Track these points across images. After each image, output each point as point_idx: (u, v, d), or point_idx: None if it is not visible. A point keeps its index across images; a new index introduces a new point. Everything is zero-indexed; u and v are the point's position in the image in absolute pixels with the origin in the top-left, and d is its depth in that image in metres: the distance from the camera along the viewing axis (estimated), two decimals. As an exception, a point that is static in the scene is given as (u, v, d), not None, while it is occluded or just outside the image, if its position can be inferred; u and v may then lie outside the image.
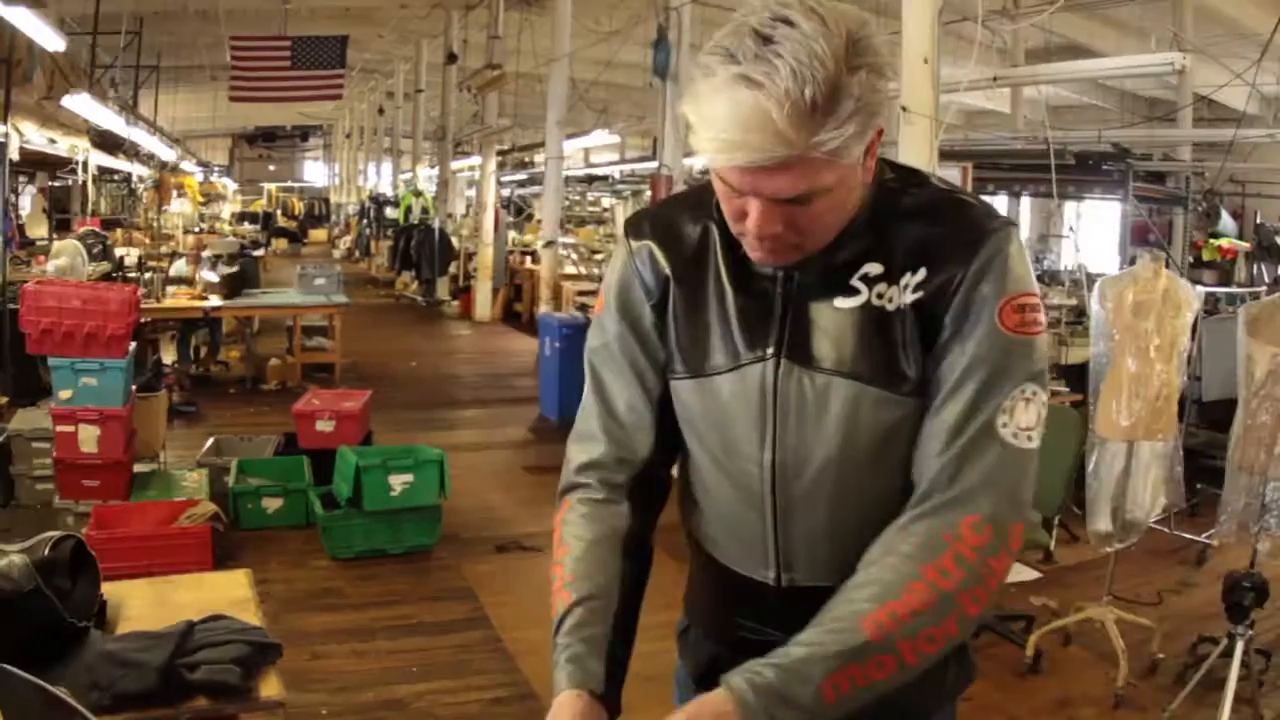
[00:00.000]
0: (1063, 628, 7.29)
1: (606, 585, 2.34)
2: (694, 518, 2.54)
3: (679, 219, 2.42)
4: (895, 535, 2.15)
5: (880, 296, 2.20)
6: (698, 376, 2.34)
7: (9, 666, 2.76)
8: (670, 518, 2.52)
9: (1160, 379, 7.12)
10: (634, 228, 2.50)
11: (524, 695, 6.42)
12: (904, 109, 8.07)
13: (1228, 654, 6.30)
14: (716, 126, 1.94)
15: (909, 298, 2.18)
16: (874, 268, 2.21)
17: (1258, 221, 18.91)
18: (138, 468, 9.51)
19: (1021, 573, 8.60)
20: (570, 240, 24.81)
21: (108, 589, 3.80)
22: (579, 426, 2.53)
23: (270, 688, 3.43)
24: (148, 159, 25.95)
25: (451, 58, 25.29)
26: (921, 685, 2.25)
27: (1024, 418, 2.16)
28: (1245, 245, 16.87)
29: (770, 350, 2.25)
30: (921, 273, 2.18)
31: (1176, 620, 7.76)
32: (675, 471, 2.56)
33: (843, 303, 2.22)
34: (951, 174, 10.43)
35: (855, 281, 2.22)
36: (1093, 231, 21.56)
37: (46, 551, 3.50)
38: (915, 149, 8.02)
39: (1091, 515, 7.58)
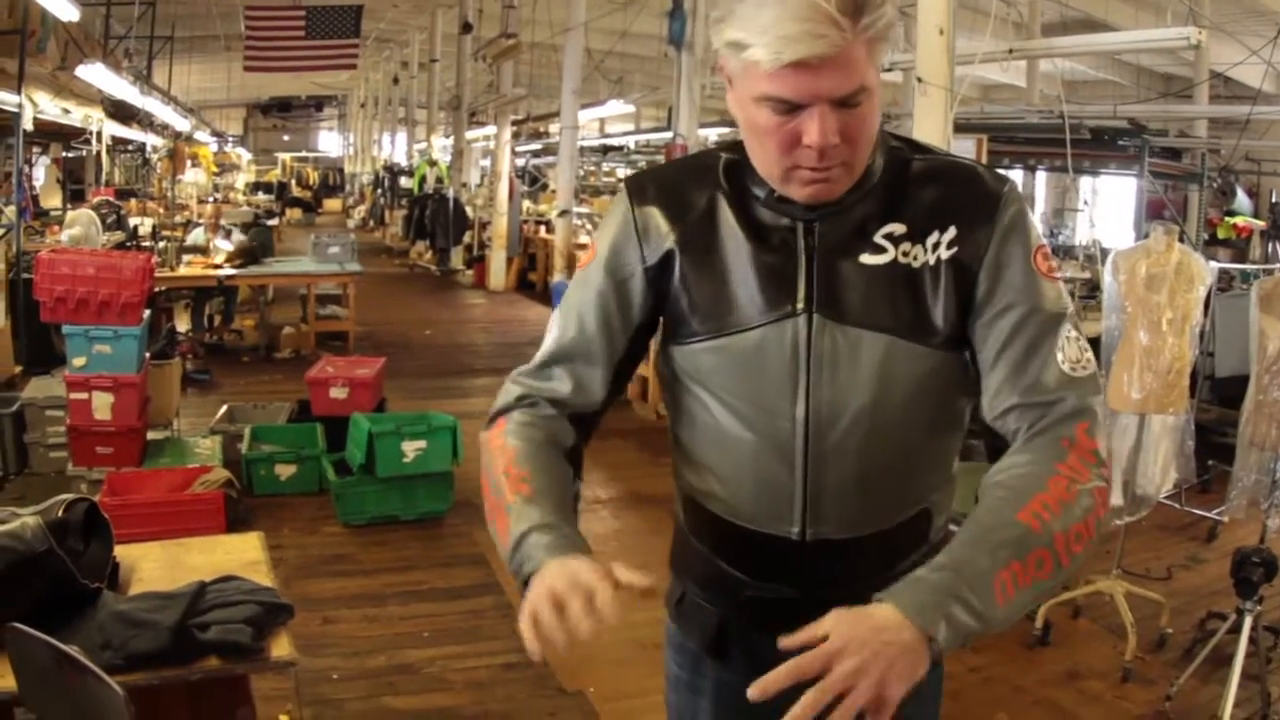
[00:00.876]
0: (1071, 600, 7.29)
1: (562, 479, 2.38)
2: (699, 479, 2.53)
3: (685, 184, 2.46)
4: (1013, 455, 2.23)
5: (906, 255, 2.29)
6: (721, 335, 2.35)
7: (20, 625, 2.79)
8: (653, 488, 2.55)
9: (1172, 352, 7.12)
10: (637, 190, 2.51)
11: (534, 661, 6.41)
12: (919, 80, 8.07)
13: (1236, 630, 6.29)
14: (774, 29, 2.00)
15: (944, 254, 2.29)
16: (897, 228, 2.30)
17: (1273, 200, 18.90)
18: (151, 435, 9.55)
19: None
20: (584, 210, 24.81)
21: (120, 552, 3.83)
22: (535, 363, 2.56)
23: (281, 648, 3.45)
24: (162, 129, 25.95)
25: (466, 27, 25.25)
26: None
27: (1074, 353, 2.28)
28: (1260, 223, 16.89)
29: (800, 305, 2.29)
30: (951, 231, 2.29)
31: (1186, 595, 7.76)
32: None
33: (870, 259, 2.29)
34: (967, 146, 10.43)
35: (880, 239, 2.30)
36: (1109, 207, 21.56)
37: (60, 514, 3.54)
38: (930, 120, 8.02)
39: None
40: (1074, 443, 2.19)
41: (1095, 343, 8.34)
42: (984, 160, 9.71)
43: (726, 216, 2.39)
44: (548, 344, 2.55)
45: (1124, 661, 6.59)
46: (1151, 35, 10.11)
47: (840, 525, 2.37)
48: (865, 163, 2.25)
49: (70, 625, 3.20)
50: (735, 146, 2.42)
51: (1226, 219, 17.39)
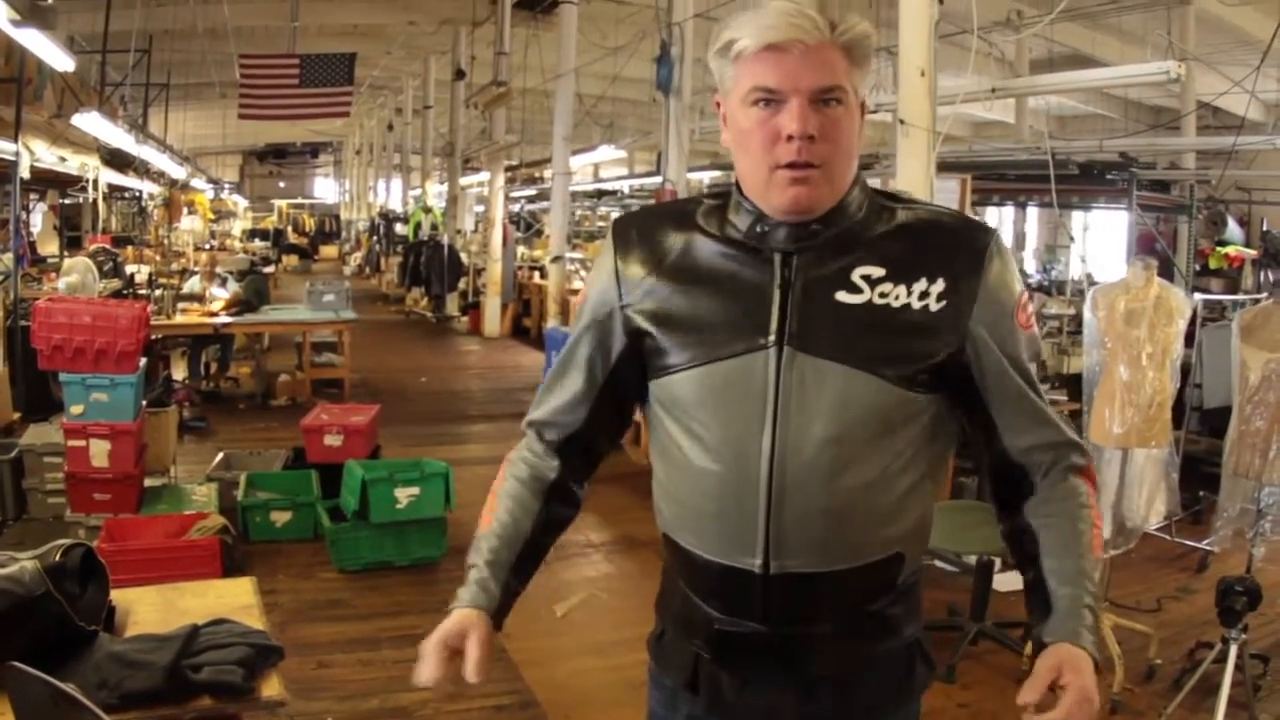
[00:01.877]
0: (1060, 634, 7.32)
1: (522, 519, 2.74)
2: (672, 514, 2.64)
3: (665, 227, 2.63)
4: (1047, 494, 2.56)
5: (884, 296, 2.42)
6: (691, 367, 2.48)
7: (18, 664, 2.86)
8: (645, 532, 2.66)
9: (1153, 386, 7.20)
10: (621, 235, 2.68)
11: (526, 703, 6.51)
12: (901, 121, 8.17)
13: (1222, 659, 6.36)
14: (759, 22, 2.34)
15: (933, 305, 2.42)
16: (876, 270, 2.44)
17: (1264, 229, 18.96)
18: (148, 482, 9.59)
19: (1018, 580, 8.68)
20: (578, 255, 24.93)
21: (117, 596, 3.90)
22: (543, 387, 2.84)
23: (272, 688, 3.53)
24: (158, 176, 26.04)
25: (459, 74, 25.38)
26: (893, 681, 2.60)
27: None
28: (1252, 253, 16.95)
29: (772, 338, 2.41)
30: (940, 282, 2.43)
31: (1176, 626, 7.82)
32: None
33: (845, 297, 2.42)
34: (951, 185, 10.49)
35: (857, 279, 2.43)
36: (1101, 241, 21.63)
37: (58, 558, 3.61)
38: (913, 160, 8.12)
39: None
40: (1086, 485, 2.58)
41: (1078, 379, 8.46)
42: (969, 198, 9.79)
43: (703, 254, 2.54)
44: (553, 371, 2.81)
45: (1112, 694, 6.63)
46: (1131, 71, 10.21)
47: (804, 559, 2.45)
48: (845, 176, 2.44)
49: (67, 666, 3.26)
50: (720, 195, 2.61)
51: (1218, 249, 17.45)
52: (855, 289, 2.43)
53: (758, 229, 2.48)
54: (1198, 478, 9.37)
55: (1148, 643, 7.22)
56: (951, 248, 2.48)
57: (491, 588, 2.65)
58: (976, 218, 2.66)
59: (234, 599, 4.22)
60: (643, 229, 2.67)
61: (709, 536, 2.54)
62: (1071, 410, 9.41)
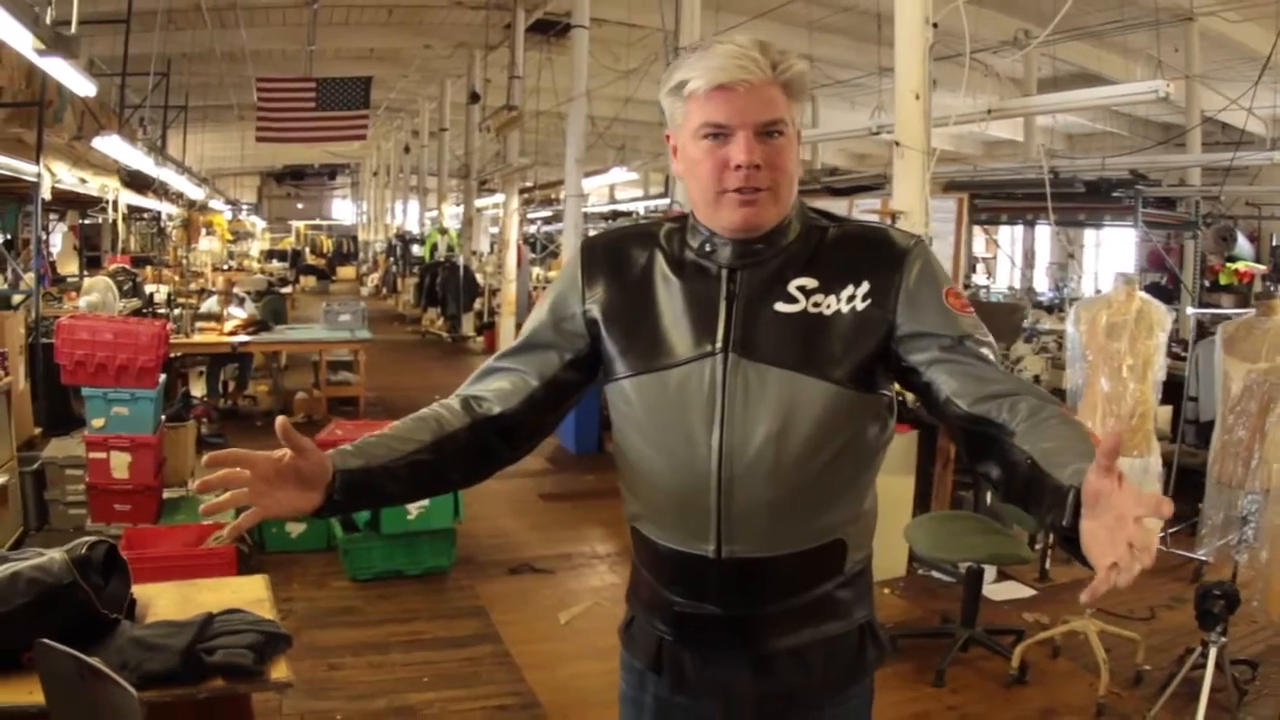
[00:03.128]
0: (1049, 640, 7.50)
1: (402, 433, 2.74)
2: (636, 508, 2.87)
3: (628, 245, 2.90)
4: (1029, 425, 2.42)
5: (817, 305, 2.68)
6: (648, 372, 2.72)
7: (48, 640, 3.10)
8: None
9: (1134, 397, 7.38)
10: (588, 250, 2.93)
11: (528, 704, 6.72)
12: (897, 143, 8.35)
13: (1203, 662, 6.54)
14: (707, 63, 2.56)
15: (859, 305, 2.67)
16: (810, 281, 2.70)
17: (1274, 244, 19.07)
18: (167, 494, 9.83)
19: (1016, 590, 8.83)
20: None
21: (137, 590, 4.12)
22: (483, 369, 2.95)
23: (279, 671, 3.76)
24: (176, 197, 26.20)
25: (474, 97, 25.47)
26: (845, 660, 2.82)
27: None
28: (1262, 268, 16.99)
29: (719, 345, 2.66)
30: (865, 285, 2.68)
31: (1168, 634, 7.96)
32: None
33: (783, 307, 2.68)
34: (948, 205, 10.69)
35: (793, 290, 2.69)
36: (1113, 258, 21.72)
37: (84, 551, 3.84)
38: (909, 181, 8.29)
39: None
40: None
41: (1063, 393, 8.63)
42: (966, 217, 9.98)
43: (661, 270, 2.80)
44: (500, 357, 2.96)
45: (1098, 698, 6.81)
46: (1123, 90, 10.39)
47: (752, 545, 2.68)
48: (788, 198, 2.69)
49: (91, 650, 3.41)
50: (681, 218, 2.85)
51: (1228, 265, 17.51)
52: (792, 299, 2.68)
53: (707, 247, 2.73)
54: (1194, 490, 9.51)
55: (1136, 649, 7.38)
56: (875, 256, 2.71)
57: (350, 455, 2.58)
58: (905, 231, 2.85)
59: (247, 593, 4.43)
60: (609, 245, 2.92)
61: (667, 527, 2.77)
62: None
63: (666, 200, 24.18)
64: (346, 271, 50.36)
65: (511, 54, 21.87)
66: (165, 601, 4.25)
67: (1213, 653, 6.45)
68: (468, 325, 27.24)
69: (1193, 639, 6.93)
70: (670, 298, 2.76)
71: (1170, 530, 9.45)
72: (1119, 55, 18.77)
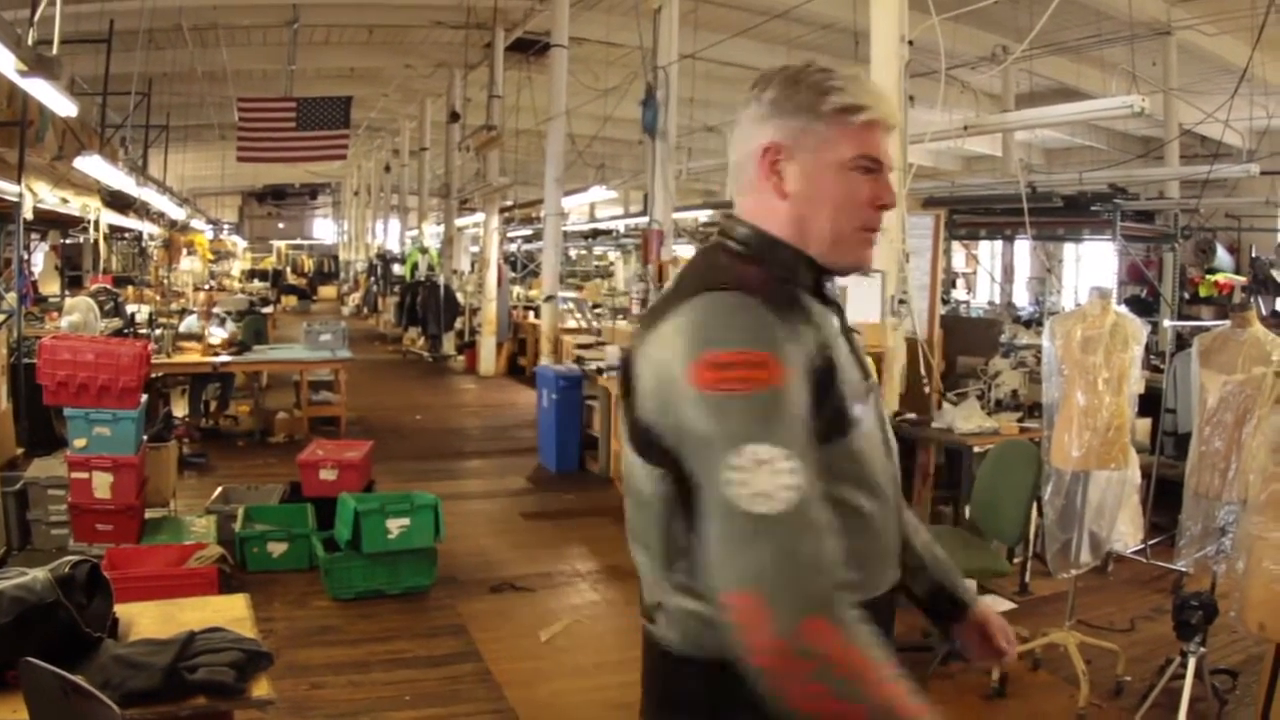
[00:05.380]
0: (1029, 653, 7.53)
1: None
2: (870, 571, 2.52)
3: (791, 300, 2.42)
4: None
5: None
6: (868, 415, 2.50)
7: (32, 659, 3.13)
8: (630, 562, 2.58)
9: (1110, 410, 7.42)
10: (783, 319, 2.30)
11: (507, 721, 6.77)
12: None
13: (1182, 672, 6.59)
14: (886, 99, 2.51)
15: None
16: None
17: (1254, 255, 19.14)
18: (149, 514, 9.83)
19: (995, 603, 8.85)
20: (572, 295, 25.12)
21: (120, 610, 4.15)
22: (811, 540, 2.14)
23: (261, 689, 3.78)
24: (158, 217, 26.21)
25: (454, 116, 25.56)
26: None
27: (761, 483, 2.10)
28: (1241, 279, 17.09)
29: (873, 379, 2.61)
30: None
31: (1149, 644, 8.04)
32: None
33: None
34: (925, 221, 10.73)
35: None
36: (1092, 271, 21.83)
37: (67, 570, 3.87)
38: (886, 198, 8.35)
39: (1048, 543, 7.93)
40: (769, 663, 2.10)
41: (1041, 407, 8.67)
42: (942, 233, 10.05)
43: (818, 312, 2.47)
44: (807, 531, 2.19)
45: (1078, 709, 6.85)
46: (1098, 105, 10.44)
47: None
48: None
49: (75, 668, 3.45)
50: (779, 264, 2.48)
51: (1208, 277, 17.61)
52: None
53: (824, 281, 2.54)
54: (1173, 501, 9.55)
55: (1116, 660, 7.42)
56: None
57: None
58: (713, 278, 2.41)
59: (228, 612, 4.46)
60: (780, 302, 2.34)
61: (888, 571, 2.59)
62: (1034, 438, 9.61)
63: (645, 218, 24.29)
64: (328, 291, 50.44)
65: (491, 73, 21.98)
66: (147, 620, 4.27)
67: (1191, 663, 6.52)
68: (448, 344, 27.36)
69: (1173, 649, 6.99)
70: (838, 339, 2.49)
71: (1150, 542, 9.50)
72: (1097, 69, 18.85)
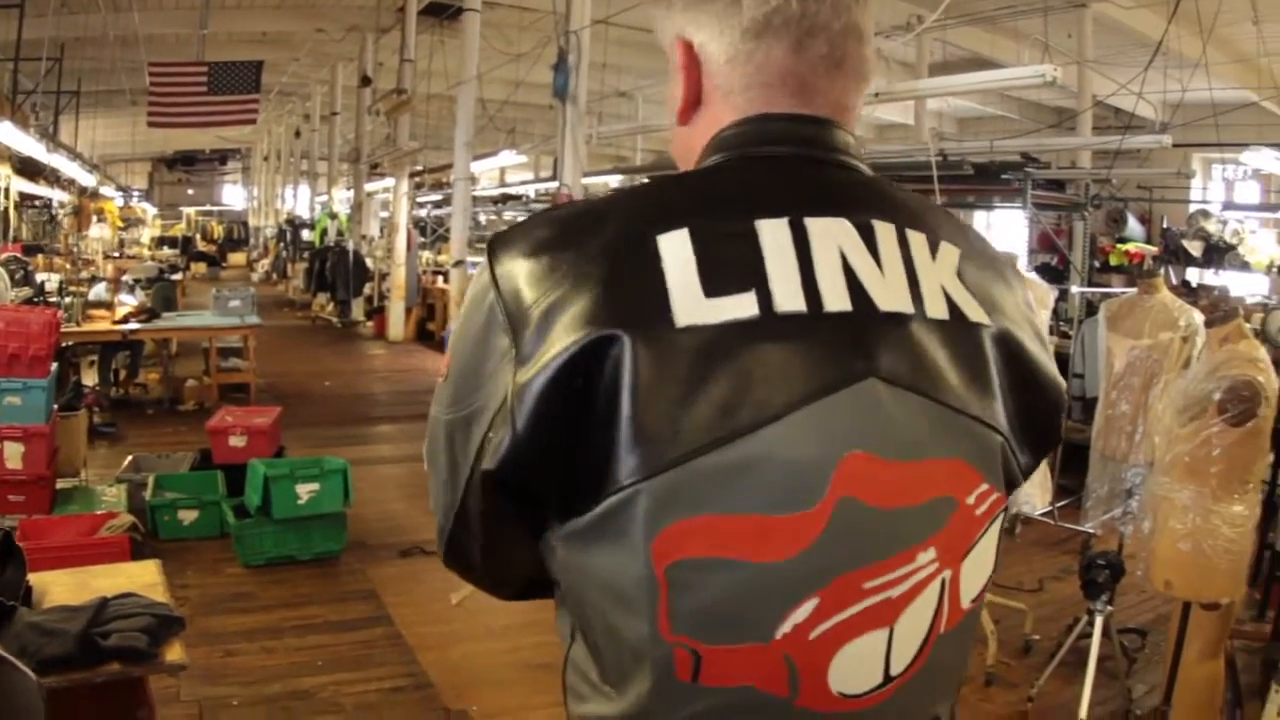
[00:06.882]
0: (937, 612, 7.61)
1: None
2: None
3: None
4: None
5: None
6: None
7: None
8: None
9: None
10: None
11: (421, 685, 6.78)
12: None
13: (1090, 630, 6.70)
14: None
15: None
16: None
17: (1165, 225, 19.32)
18: (60, 484, 9.74)
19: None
20: (480, 259, 25.05)
21: (34, 578, 4.15)
22: None
23: (174, 653, 3.80)
24: (68, 184, 25.98)
25: (365, 81, 25.38)
26: None
27: None
28: (1153, 249, 17.24)
29: None
30: None
31: (1057, 605, 8.25)
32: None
33: None
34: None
35: None
36: (1003, 239, 21.99)
37: (-24, 540, 3.86)
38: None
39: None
40: None
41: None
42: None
43: None
44: None
45: (986, 667, 6.95)
46: (1010, 74, 10.54)
47: None
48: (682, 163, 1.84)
49: None
50: None
51: (1119, 246, 17.76)
52: None
53: None
54: (1080, 465, 9.67)
55: (1024, 619, 7.55)
56: None
57: None
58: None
59: (141, 578, 4.47)
60: None
61: None
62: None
63: (555, 183, 24.27)
64: (237, 258, 49.95)
65: (403, 37, 21.84)
66: (60, 589, 4.27)
67: (1099, 621, 6.62)
68: (357, 310, 27.24)
69: (1080, 609, 7.10)
70: None
71: (1057, 505, 9.63)
72: (1011, 40, 18.95)
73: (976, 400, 1.61)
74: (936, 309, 1.59)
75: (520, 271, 1.53)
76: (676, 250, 1.50)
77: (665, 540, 1.44)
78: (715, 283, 1.48)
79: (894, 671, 1.58)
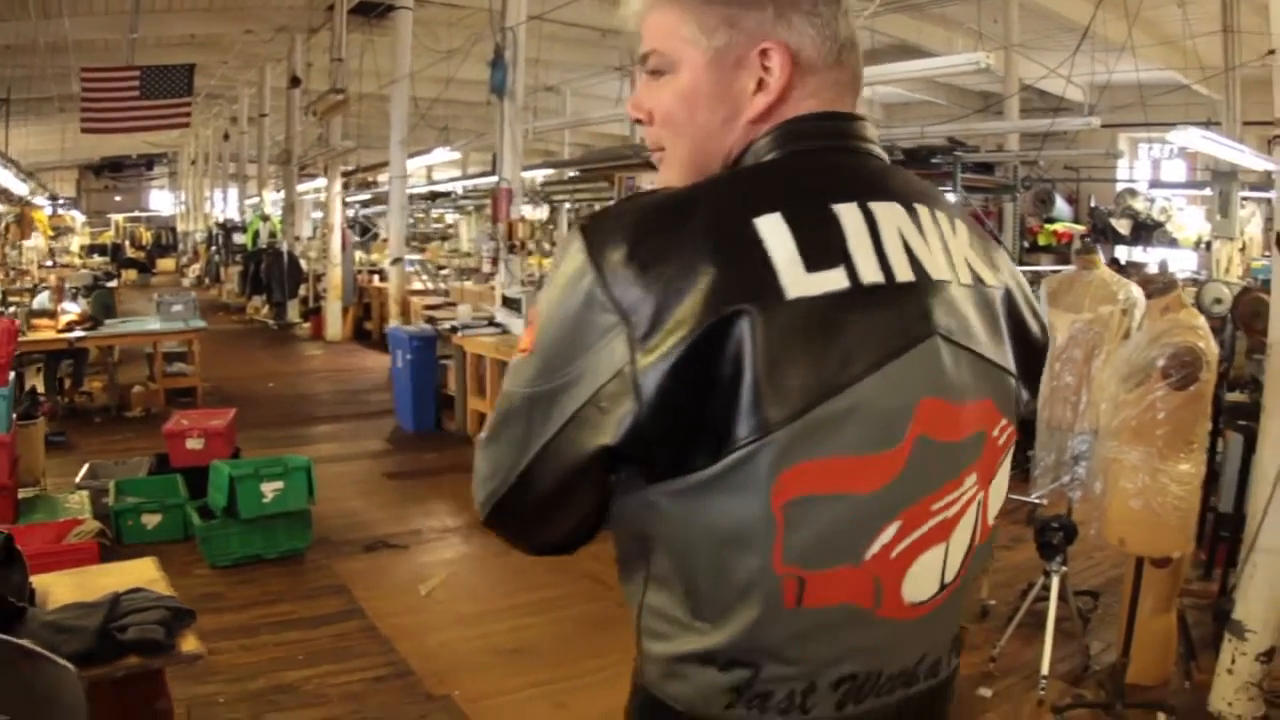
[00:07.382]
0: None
1: None
2: None
3: None
4: None
5: None
6: None
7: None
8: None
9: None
10: None
11: (402, 673, 6.93)
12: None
13: (1046, 592, 6.94)
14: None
15: None
16: None
17: (1092, 205, 19.60)
18: (21, 493, 9.75)
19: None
20: (417, 257, 25.12)
21: (34, 580, 4.25)
22: None
23: (189, 644, 3.93)
24: (4, 194, 25.84)
25: (295, 81, 25.33)
26: None
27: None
28: (1080, 228, 17.51)
29: None
30: None
31: (1010, 571, 8.52)
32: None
33: None
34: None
35: None
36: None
37: (-23, 543, 3.96)
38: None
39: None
40: None
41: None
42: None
43: None
44: None
45: (948, 631, 7.15)
46: (945, 62, 10.74)
47: None
48: (682, 159, 1.98)
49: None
50: None
51: (1047, 226, 18.03)
52: None
53: None
54: (1025, 436, 9.84)
55: (980, 585, 7.74)
56: None
57: None
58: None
59: (140, 574, 4.61)
60: None
61: None
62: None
63: (485, 179, 24.26)
64: (166, 263, 49.53)
65: (334, 37, 21.77)
66: (63, 589, 4.37)
67: (1055, 581, 6.85)
68: (293, 311, 27.20)
69: (1034, 574, 7.40)
70: None
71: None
72: (939, 26, 19.16)
73: (996, 349, 1.93)
74: (965, 275, 1.91)
75: (622, 254, 1.70)
76: (775, 231, 1.72)
77: (784, 483, 1.69)
78: (813, 260, 1.72)
79: (947, 579, 1.92)
